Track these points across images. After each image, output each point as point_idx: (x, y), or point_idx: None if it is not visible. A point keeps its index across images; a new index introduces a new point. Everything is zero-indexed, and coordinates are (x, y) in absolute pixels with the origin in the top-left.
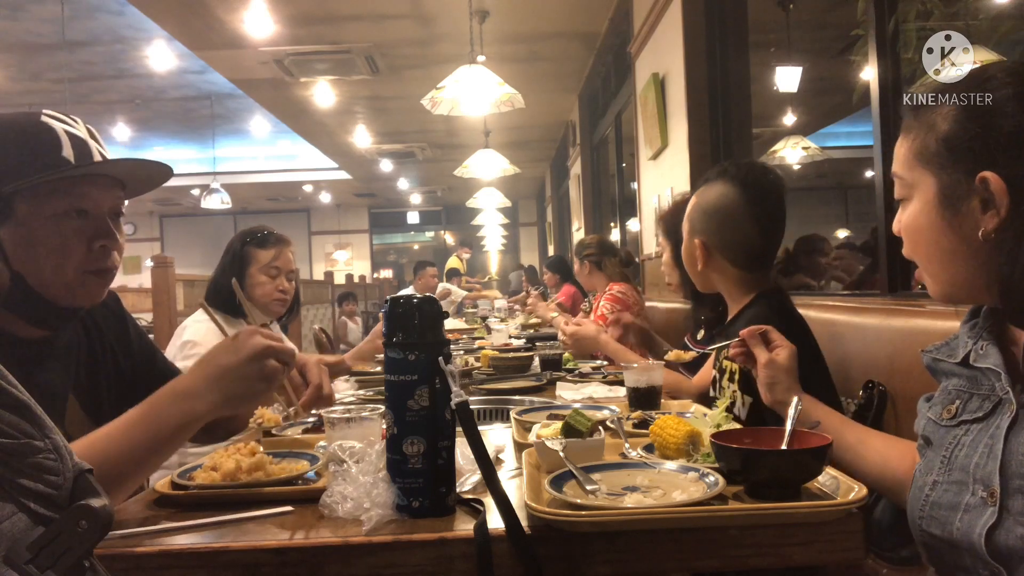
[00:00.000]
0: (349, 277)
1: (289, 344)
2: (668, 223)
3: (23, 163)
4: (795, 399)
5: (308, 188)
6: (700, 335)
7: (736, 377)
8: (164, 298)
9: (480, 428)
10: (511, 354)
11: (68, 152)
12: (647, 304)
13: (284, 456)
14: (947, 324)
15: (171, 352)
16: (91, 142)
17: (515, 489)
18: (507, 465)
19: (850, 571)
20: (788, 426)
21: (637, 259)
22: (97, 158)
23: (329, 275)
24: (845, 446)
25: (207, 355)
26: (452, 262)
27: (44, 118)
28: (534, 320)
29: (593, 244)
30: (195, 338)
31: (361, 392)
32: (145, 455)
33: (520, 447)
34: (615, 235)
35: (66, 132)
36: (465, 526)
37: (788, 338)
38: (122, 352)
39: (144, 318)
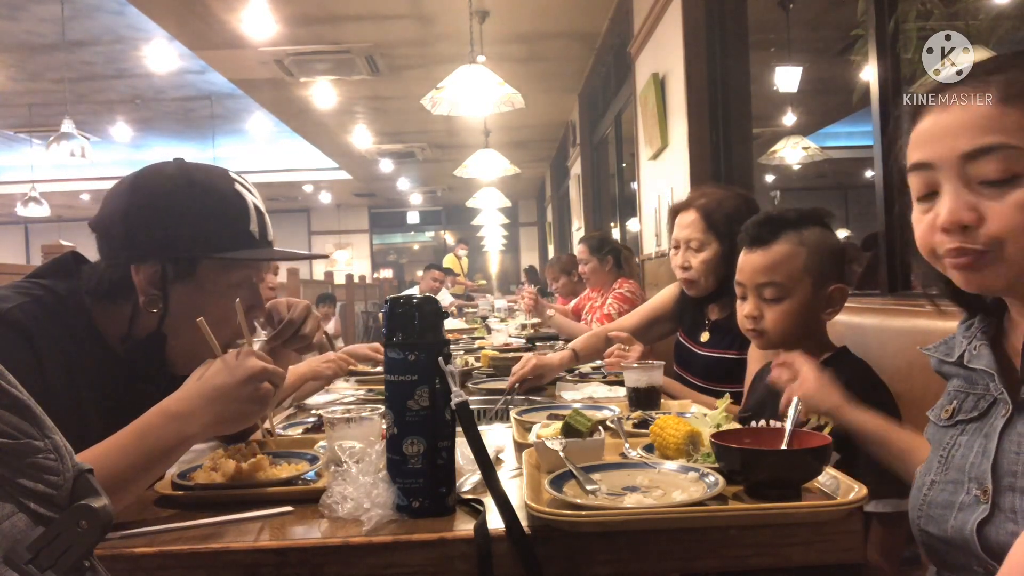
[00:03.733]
0: (349, 277)
1: (279, 369)
2: (716, 218)
3: (217, 232)
4: (795, 399)
5: (308, 188)
6: (704, 338)
7: (825, 431)
8: None
9: (480, 428)
10: (511, 354)
11: (254, 227)
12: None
13: (284, 456)
14: (947, 324)
15: None
16: (266, 215)
17: (515, 489)
18: (507, 465)
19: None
20: (788, 426)
21: (637, 259)
22: (270, 233)
23: (329, 275)
24: (896, 454)
25: (199, 374)
26: (449, 261)
27: (236, 186)
28: (534, 320)
29: (609, 239)
30: None
31: (361, 392)
32: (135, 475)
33: (520, 447)
34: (615, 235)
35: (253, 204)
36: (465, 526)
37: (874, 395)
38: None
39: None
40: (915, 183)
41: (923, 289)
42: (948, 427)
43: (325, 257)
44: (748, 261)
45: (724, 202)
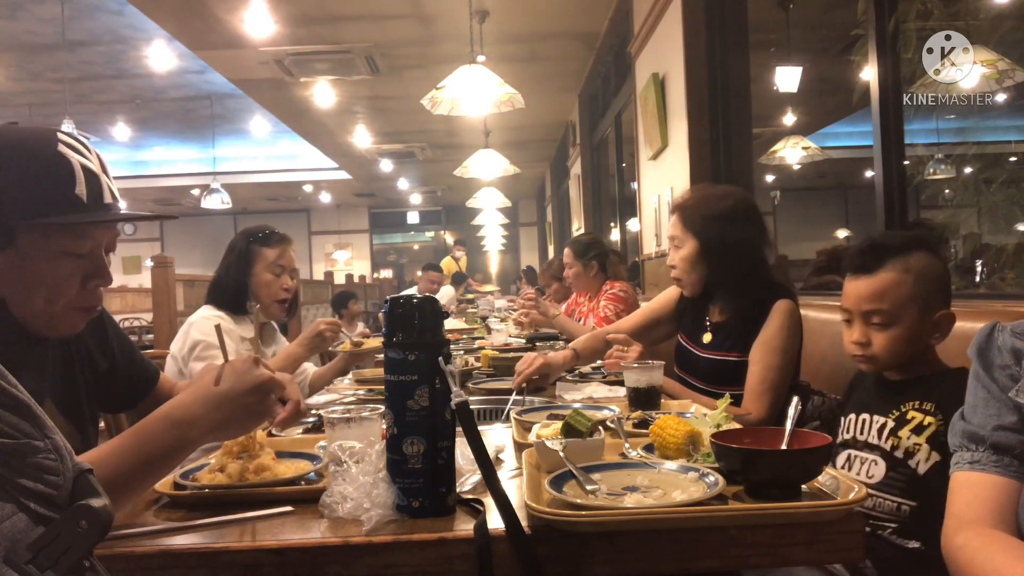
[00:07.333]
0: (349, 277)
1: (282, 382)
2: (692, 217)
3: (35, 197)
4: (795, 399)
5: (308, 188)
6: (706, 339)
7: (927, 431)
8: (164, 298)
9: (480, 428)
10: (511, 354)
11: (81, 190)
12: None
13: (284, 456)
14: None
15: (179, 352)
16: (103, 177)
17: (515, 489)
18: (507, 465)
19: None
20: (788, 426)
21: (637, 259)
22: (107, 196)
23: (329, 275)
24: None
25: (205, 379)
26: (449, 264)
27: (60, 147)
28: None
29: (597, 243)
30: (206, 338)
31: (361, 392)
32: (136, 479)
33: (520, 447)
34: (615, 235)
35: (81, 166)
36: (465, 526)
37: None
38: (99, 350)
39: (144, 318)
40: None
41: None
42: None
43: (174, 218)
44: (853, 288)
45: (704, 200)
